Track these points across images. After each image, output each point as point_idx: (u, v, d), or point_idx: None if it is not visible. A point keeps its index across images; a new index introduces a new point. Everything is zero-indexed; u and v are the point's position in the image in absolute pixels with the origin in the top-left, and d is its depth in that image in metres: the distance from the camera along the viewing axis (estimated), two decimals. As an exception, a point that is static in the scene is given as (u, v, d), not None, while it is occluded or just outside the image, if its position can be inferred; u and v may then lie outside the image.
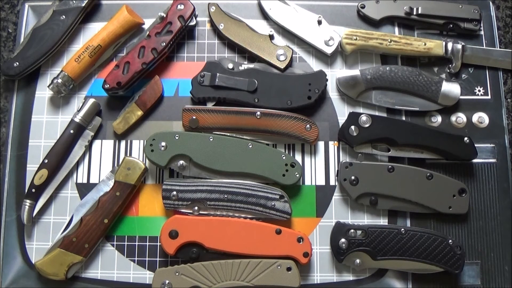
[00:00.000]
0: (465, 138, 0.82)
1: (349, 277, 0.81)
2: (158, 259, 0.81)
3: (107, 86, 0.84)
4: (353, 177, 0.82)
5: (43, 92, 0.88)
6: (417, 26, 0.92)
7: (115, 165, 0.85)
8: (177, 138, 0.82)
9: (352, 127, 0.83)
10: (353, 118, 0.84)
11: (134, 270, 0.81)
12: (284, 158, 0.82)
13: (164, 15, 0.87)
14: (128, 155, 0.85)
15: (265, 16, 0.91)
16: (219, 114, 0.83)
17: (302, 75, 0.86)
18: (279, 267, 0.77)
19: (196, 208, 0.80)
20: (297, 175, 0.82)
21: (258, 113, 0.83)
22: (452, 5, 0.91)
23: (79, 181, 0.84)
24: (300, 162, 0.84)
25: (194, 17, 0.89)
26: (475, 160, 0.85)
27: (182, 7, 0.87)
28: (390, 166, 0.82)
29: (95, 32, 0.88)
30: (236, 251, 0.78)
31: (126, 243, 0.82)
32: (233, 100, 0.85)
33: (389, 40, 0.88)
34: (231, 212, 0.80)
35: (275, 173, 0.82)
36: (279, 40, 0.90)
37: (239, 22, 0.89)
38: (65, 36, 0.87)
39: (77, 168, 0.85)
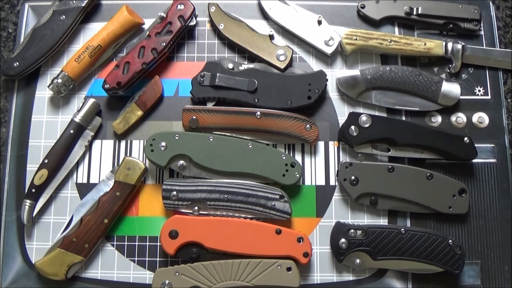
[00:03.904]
0: (465, 138, 0.82)
1: (349, 277, 0.81)
2: (158, 259, 0.81)
3: (107, 86, 0.84)
4: (353, 177, 0.82)
5: (43, 92, 0.88)
6: (417, 26, 0.92)
7: (115, 165, 0.85)
8: (177, 138, 0.82)
9: (352, 127, 0.83)
10: (353, 118, 0.84)
11: (134, 270, 0.81)
12: (284, 158, 0.82)
13: (164, 15, 0.87)
14: (128, 155, 0.85)
15: (265, 16, 0.91)
16: (219, 114, 0.83)
17: (302, 75, 0.86)
18: (279, 267, 0.77)
19: (196, 208, 0.80)
20: (297, 175, 0.82)
21: (258, 113, 0.83)
22: (452, 5, 0.91)
23: (79, 181, 0.84)
24: (300, 162, 0.84)
25: (194, 17, 0.89)
26: (475, 160, 0.85)
27: (182, 7, 0.87)
28: (390, 166, 0.82)
29: (95, 32, 0.88)
30: (236, 251, 0.78)
31: (126, 243, 0.82)
32: (233, 100, 0.85)
33: (389, 40, 0.88)
34: (231, 212, 0.80)
35: (275, 173, 0.82)
36: (279, 40, 0.90)
37: (239, 22, 0.89)
38: (65, 36, 0.87)
39: (77, 168, 0.85)
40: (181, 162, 0.82)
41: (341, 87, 0.87)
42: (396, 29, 0.92)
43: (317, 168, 0.85)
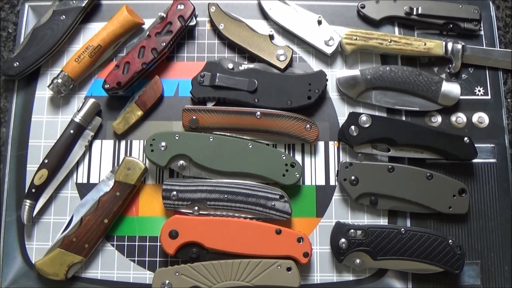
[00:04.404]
0: (465, 138, 0.82)
1: (349, 277, 0.81)
2: (158, 259, 0.81)
3: (107, 86, 0.84)
4: (353, 177, 0.82)
5: (43, 92, 0.88)
6: (417, 26, 0.92)
7: (115, 165, 0.85)
8: (177, 138, 0.82)
9: (352, 127, 0.83)
10: (353, 118, 0.84)
11: (134, 270, 0.81)
12: (284, 158, 0.82)
13: (164, 15, 0.87)
14: (128, 155, 0.85)
15: (265, 16, 0.91)
16: (219, 114, 0.83)
17: (302, 75, 0.86)
18: (279, 267, 0.77)
19: (196, 208, 0.80)
20: (297, 175, 0.82)
21: (258, 113, 0.83)
22: (452, 5, 0.91)
23: (79, 181, 0.84)
24: (300, 162, 0.84)
25: (194, 17, 0.89)
26: (475, 160, 0.85)
27: (182, 7, 0.87)
28: (390, 166, 0.82)
29: (95, 32, 0.88)
30: (236, 251, 0.78)
31: (126, 243, 0.82)
32: (233, 100, 0.85)
33: (389, 40, 0.88)
34: (231, 212, 0.80)
35: (275, 173, 0.82)
36: (279, 40, 0.90)
37: (239, 22, 0.89)
38: (65, 36, 0.87)
39: (77, 168, 0.85)
40: (181, 162, 0.82)
41: (341, 87, 0.87)
42: (396, 29, 0.92)
43: (317, 168, 0.85)
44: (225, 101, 0.86)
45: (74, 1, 0.88)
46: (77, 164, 0.85)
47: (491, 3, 0.93)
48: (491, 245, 0.83)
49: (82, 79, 0.87)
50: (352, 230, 0.80)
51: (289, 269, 0.77)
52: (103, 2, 0.92)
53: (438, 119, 0.88)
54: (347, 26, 0.91)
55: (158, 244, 0.81)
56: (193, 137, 0.82)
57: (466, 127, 0.87)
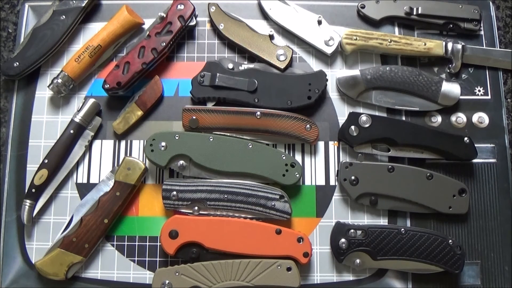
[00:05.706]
0: (465, 138, 0.82)
1: (349, 277, 0.81)
2: (158, 259, 0.81)
3: (107, 86, 0.84)
4: (353, 177, 0.82)
5: (43, 92, 0.88)
6: (417, 26, 0.92)
7: (115, 165, 0.85)
8: (177, 138, 0.82)
9: (352, 127, 0.83)
10: (353, 118, 0.84)
11: (134, 270, 0.81)
12: (284, 158, 0.82)
13: (164, 15, 0.87)
14: (128, 155, 0.85)
15: (265, 16, 0.91)
16: (219, 114, 0.83)
17: (302, 75, 0.86)
18: (279, 267, 0.77)
19: (196, 208, 0.80)
20: (297, 175, 0.82)
21: (258, 113, 0.83)
22: (452, 5, 0.91)
23: (79, 181, 0.84)
24: (300, 162, 0.84)
25: (194, 17, 0.89)
26: (475, 160, 0.85)
27: (182, 7, 0.87)
28: (390, 166, 0.82)
29: (95, 32, 0.88)
30: (236, 251, 0.78)
31: (126, 243, 0.82)
32: (233, 100, 0.85)
33: (389, 40, 0.88)
34: (231, 212, 0.80)
35: (275, 173, 0.82)
36: (279, 40, 0.90)
37: (239, 22, 0.89)
38: (65, 36, 0.87)
39: (77, 168, 0.85)
40: (181, 162, 0.82)
41: (341, 87, 0.87)
42: (396, 29, 0.92)
43: (317, 168, 0.85)
44: (225, 101, 0.86)
45: (74, 1, 0.88)
46: (77, 164, 0.85)
47: (491, 3, 0.94)
48: (491, 245, 0.83)
49: (82, 79, 0.87)
50: (352, 230, 0.80)
51: (289, 269, 0.77)
52: (103, 2, 0.92)
53: (438, 119, 0.88)
54: (347, 26, 0.91)
55: (158, 244, 0.81)
56: (193, 137, 0.82)
57: (466, 127, 0.87)
